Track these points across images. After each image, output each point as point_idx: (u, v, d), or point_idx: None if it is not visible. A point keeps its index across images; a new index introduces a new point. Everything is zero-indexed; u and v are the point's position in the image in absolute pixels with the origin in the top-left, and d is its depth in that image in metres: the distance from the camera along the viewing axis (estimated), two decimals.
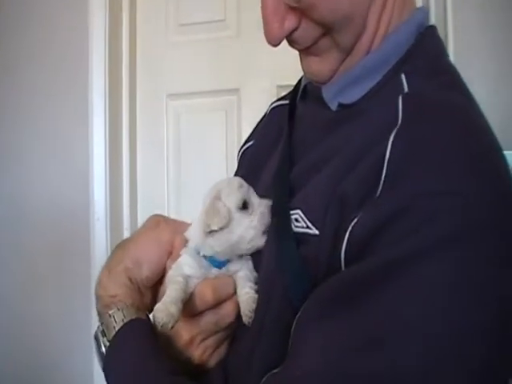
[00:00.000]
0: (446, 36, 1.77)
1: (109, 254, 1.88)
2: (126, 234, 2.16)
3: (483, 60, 1.77)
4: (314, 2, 0.75)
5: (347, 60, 0.84)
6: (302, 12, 0.77)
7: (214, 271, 0.85)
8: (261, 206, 0.84)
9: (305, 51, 0.85)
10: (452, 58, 1.49)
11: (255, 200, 0.85)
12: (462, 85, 0.81)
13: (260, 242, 0.83)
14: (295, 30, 0.79)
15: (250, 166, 1.03)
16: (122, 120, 2.21)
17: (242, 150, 1.15)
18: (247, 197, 0.84)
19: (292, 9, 0.77)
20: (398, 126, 0.70)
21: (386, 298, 0.62)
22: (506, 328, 0.64)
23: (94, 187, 2.11)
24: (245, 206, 0.84)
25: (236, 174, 1.08)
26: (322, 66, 0.85)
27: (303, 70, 0.89)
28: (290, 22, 0.79)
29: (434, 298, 0.61)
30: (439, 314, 0.61)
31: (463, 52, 1.76)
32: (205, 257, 0.85)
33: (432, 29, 0.88)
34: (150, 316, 0.82)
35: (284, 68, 1.96)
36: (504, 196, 0.66)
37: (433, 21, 1.78)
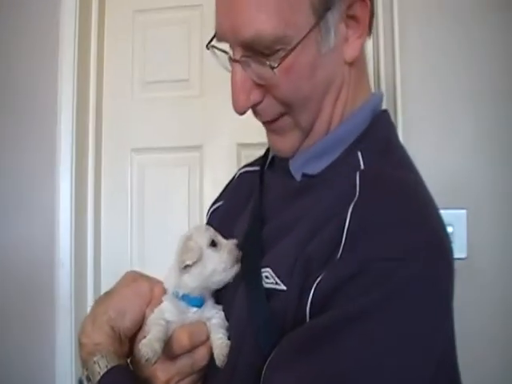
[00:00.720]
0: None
1: (73, 298, 1.94)
2: (90, 282, 2.20)
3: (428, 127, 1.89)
4: (277, 83, 0.87)
5: (307, 140, 0.95)
6: (266, 89, 0.89)
7: (191, 315, 0.93)
8: (228, 244, 0.94)
9: (269, 130, 0.97)
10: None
11: (222, 240, 0.95)
12: (409, 163, 0.95)
13: (230, 274, 0.93)
14: (259, 103, 0.91)
15: (220, 224, 1.11)
16: (88, 172, 2.25)
17: (212, 210, 1.25)
18: (215, 237, 0.94)
19: (258, 85, 0.88)
20: (355, 199, 0.81)
21: (342, 347, 0.72)
22: (438, 374, 0.78)
23: (59, 238, 2.13)
24: (214, 243, 0.93)
25: None
26: (284, 144, 0.97)
27: (269, 144, 1.02)
28: (255, 96, 0.90)
29: (381, 348, 0.72)
30: (385, 361, 0.72)
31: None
32: (182, 297, 0.93)
33: (385, 113, 1.01)
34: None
35: (244, 127, 2.03)
36: (443, 259, 0.80)
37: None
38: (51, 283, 2.13)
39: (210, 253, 0.93)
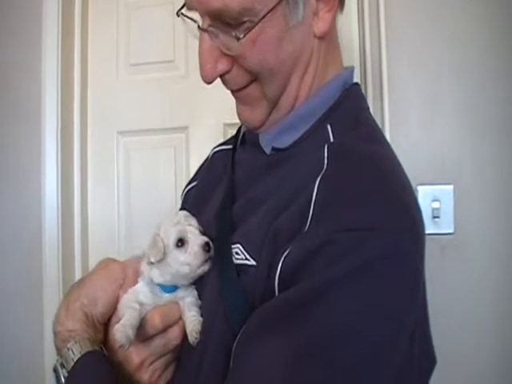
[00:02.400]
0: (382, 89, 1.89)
1: (60, 288, 1.94)
2: (78, 267, 2.20)
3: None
4: (244, 53, 0.87)
5: (274, 112, 0.95)
6: (233, 59, 0.89)
7: (165, 298, 0.95)
8: (195, 246, 0.93)
9: (238, 99, 0.98)
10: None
11: (192, 237, 0.94)
12: (379, 134, 0.96)
13: (198, 272, 0.93)
14: (227, 72, 0.91)
15: (194, 203, 1.13)
16: (74, 155, 2.24)
17: (186, 190, 1.27)
18: (183, 234, 0.94)
19: (225, 54, 0.89)
20: (323, 172, 0.82)
21: (310, 319, 0.72)
22: (413, 345, 0.78)
23: (45, 221, 2.13)
24: (181, 242, 0.93)
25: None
26: (251, 115, 0.97)
27: (238, 117, 1.02)
28: (222, 65, 0.90)
29: (350, 320, 0.72)
30: (356, 332, 0.72)
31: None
32: (155, 284, 0.94)
33: (356, 86, 1.01)
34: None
35: (231, 107, 2.03)
36: (411, 229, 0.79)
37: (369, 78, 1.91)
38: (39, 268, 2.12)
39: (175, 253, 0.93)
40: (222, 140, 2.07)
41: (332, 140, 0.90)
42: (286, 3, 0.86)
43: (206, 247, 0.93)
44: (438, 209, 1.83)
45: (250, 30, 0.85)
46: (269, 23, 0.86)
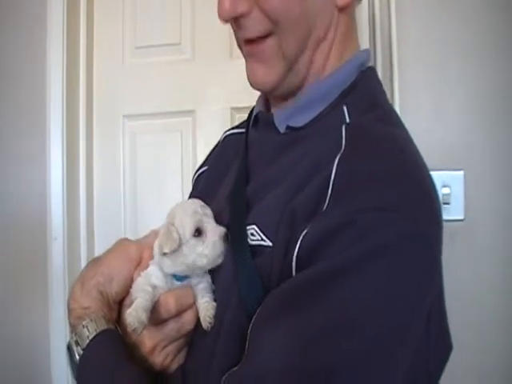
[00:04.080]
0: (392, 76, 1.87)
1: (66, 272, 1.94)
2: (83, 253, 2.20)
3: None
4: None
5: (290, 75, 0.93)
6: (255, 1, 0.86)
7: (176, 283, 0.92)
8: (214, 235, 0.90)
9: (251, 56, 0.94)
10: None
11: (209, 226, 0.91)
12: (396, 117, 0.94)
13: (213, 264, 0.91)
14: (246, 15, 0.88)
15: (205, 188, 1.12)
16: (79, 139, 2.23)
17: (197, 175, 1.25)
18: (200, 224, 0.91)
19: None
20: (341, 152, 0.80)
21: (330, 299, 0.71)
22: (429, 327, 0.79)
23: (51, 206, 2.12)
24: (198, 232, 0.90)
25: (190, 197, 1.14)
26: (266, 73, 0.94)
27: (248, 78, 0.98)
28: (242, 6, 0.88)
29: (369, 300, 0.71)
30: (375, 312, 0.71)
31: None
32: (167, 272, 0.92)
33: (371, 69, 1.00)
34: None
35: (238, 91, 2.02)
36: (430, 211, 0.78)
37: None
38: (44, 256, 2.13)
39: (193, 243, 0.90)
40: (229, 124, 2.08)
41: (348, 121, 0.88)
42: None
43: (225, 237, 0.91)
44: (448, 195, 1.81)
45: None
46: None
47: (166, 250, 0.88)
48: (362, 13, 1.94)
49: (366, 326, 0.71)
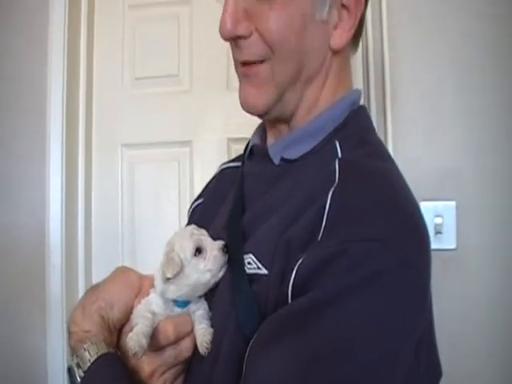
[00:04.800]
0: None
1: (64, 298, 1.95)
2: (81, 280, 2.21)
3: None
4: (269, 17, 0.91)
5: (279, 106, 0.98)
6: (255, 24, 0.91)
7: (177, 310, 0.95)
8: (213, 250, 0.93)
9: (245, 79, 0.98)
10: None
11: (208, 243, 0.95)
12: (385, 152, 0.99)
13: (216, 278, 0.94)
14: (245, 38, 0.93)
15: (201, 218, 1.14)
16: (78, 167, 2.26)
17: (193, 207, 1.27)
18: (199, 243, 0.94)
19: (248, 19, 0.91)
20: (335, 185, 0.83)
21: (323, 325, 0.74)
22: (419, 355, 0.82)
23: (50, 233, 2.14)
24: (199, 251, 0.93)
25: None
26: (257, 96, 0.97)
27: (240, 100, 1.01)
28: (242, 28, 0.92)
29: (361, 327, 0.74)
30: (367, 339, 0.74)
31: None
32: (169, 299, 0.94)
33: (362, 108, 1.05)
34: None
35: (234, 122, 2.08)
36: (419, 243, 0.82)
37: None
38: (42, 283, 2.13)
39: (194, 262, 0.93)
40: (226, 154, 2.12)
41: (340, 156, 0.92)
42: None
43: (224, 249, 0.94)
44: (440, 224, 1.85)
45: None
46: (297, 0, 0.90)
47: (169, 275, 0.91)
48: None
49: (358, 352, 0.74)
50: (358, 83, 1.95)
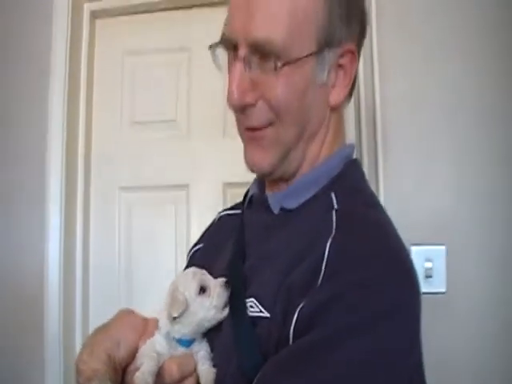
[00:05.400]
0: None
1: (61, 339, 1.97)
2: (78, 321, 2.22)
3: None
4: (274, 86, 0.96)
5: (286, 163, 1.04)
6: (260, 94, 0.97)
7: (180, 350, 0.99)
8: (216, 287, 0.99)
9: (251, 141, 1.04)
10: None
11: (210, 282, 1.00)
12: (378, 204, 1.06)
13: (221, 315, 0.99)
14: (251, 106, 0.98)
15: (201, 262, 1.16)
16: (77, 209, 2.30)
17: (192, 252, 1.32)
18: (203, 282, 0.99)
19: (254, 88, 0.97)
20: (333, 234, 0.90)
21: (321, 365, 0.80)
22: None
23: (48, 274, 2.17)
24: (203, 290, 0.98)
25: None
26: (263, 157, 1.04)
27: (246, 161, 1.07)
28: (249, 97, 0.98)
29: (355, 370, 0.80)
30: (359, 378, 0.80)
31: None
32: (174, 338, 0.99)
33: (355, 161, 1.13)
34: None
35: (229, 167, 2.12)
36: (411, 287, 0.88)
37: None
38: (40, 326, 2.16)
39: (199, 300, 0.98)
40: (221, 198, 2.17)
41: (336, 206, 0.98)
42: (316, 59, 0.97)
43: (226, 285, 0.99)
44: (430, 268, 1.89)
45: (286, 64, 0.94)
46: (300, 69, 0.95)
47: (175, 314, 0.96)
48: None
49: None
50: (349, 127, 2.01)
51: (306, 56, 0.95)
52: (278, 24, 0.93)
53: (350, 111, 2.03)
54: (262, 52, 0.94)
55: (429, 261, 1.89)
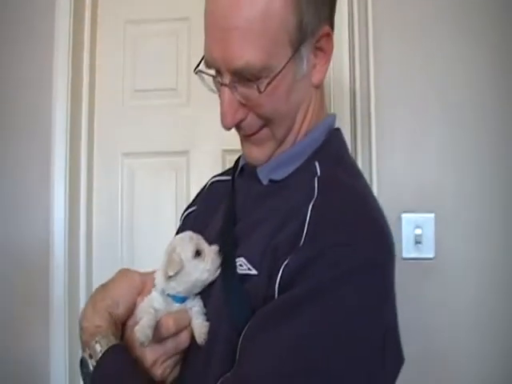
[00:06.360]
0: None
1: (66, 303, 2.05)
2: (82, 280, 2.31)
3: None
4: (261, 103, 1.03)
5: (279, 149, 1.12)
6: (250, 108, 1.04)
7: (176, 306, 1.08)
8: (211, 252, 1.07)
9: (247, 140, 1.12)
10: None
11: (205, 247, 1.08)
12: (358, 171, 1.15)
13: (213, 277, 1.07)
14: (243, 120, 1.06)
15: (194, 226, 1.25)
16: (81, 175, 2.35)
17: (185, 214, 1.41)
18: (198, 247, 1.08)
19: (243, 105, 1.04)
20: (314, 199, 0.99)
21: (304, 315, 0.89)
22: (384, 348, 0.95)
23: (54, 237, 2.24)
24: (198, 253, 1.07)
25: (179, 232, 1.28)
26: (259, 154, 1.13)
27: (244, 155, 1.18)
28: (240, 114, 1.05)
29: (332, 317, 0.89)
30: (337, 331, 0.89)
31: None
32: (169, 295, 1.07)
33: (337, 131, 1.21)
34: None
35: (229, 134, 2.12)
36: (383, 245, 0.97)
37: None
38: (46, 286, 2.22)
39: (194, 263, 1.06)
40: (220, 164, 2.23)
41: (319, 174, 1.06)
42: (294, 60, 1.02)
43: (220, 253, 1.08)
44: (420, 235, 1.97)
45: (269, 83, 1.00)
46: (282, 77, 1.02)
47: (171, 273, 1.04)
48: (343, 67, 2.13)
49: (335, 335, 0.89)
50: (344, 103, 2.07)
51: (285, 65, 1.01)
52: (254, 48, 0.98)
53: (345, 88, 2.11)
54: (244, 76, 1.00)
55: (418, 227, 1.97)
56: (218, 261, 1.07)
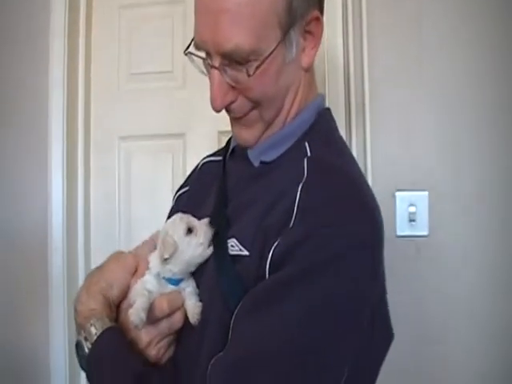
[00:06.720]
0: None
1: (65, 283, 2.07)
2: (81, 262, 2.35)
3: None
4: (251, 86, 1.03)
5: (268, 130, 1.13)
6: (239, 91, 1.05)
7: (169, 287, 1.10)
8: (202, 226, 1.09)
9: (237, 122, 1.13)
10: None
11: (196, 223, 1.10)
12: (347, 151, 1.16)
13: (208, 252, 1.09)
14: (233, 102, 1.07)
15: (187, 207, 1.27)
16: (78, 158, 2.37)
17: (178, 194, 1.43)
18: (189, 224, 1.09)
19: (232, 88, 1.05)
20: (303, 180, 0.99)
21: (294, 295, 0.91)
22: (374, 315, 0.98)
23: (52, 219, 2.27)
24: (190, 230, 1.09)
25: (171, 212, 1.32)
26: (249, 135, 1.14)
27: (234, 137, 1.19)
28: (230, 96, 1.06)
29: (322, 296, 0.91)
30: (330, 305, 0.91)
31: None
32: (164, 278, 1.09)
33: (327, 110, 1.22)
34: None
35: (224, 116, 2.14)
36: (372, 226, 0.99)
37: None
38: (44, 270, 2.26)
39: (187, 240, 1.08)
40: (216, 146, 2.23)
41: (309, 154, 1.07)
42: (283, 43, 1.03)
43: (210, 224, 1.09)
44: (414, 213, 1.99)
45: (258, 67, 1.01)
46: (271, 60, 1.02)
47: (167, 255, 1.06)
48: (337, 45, 2.12)
49: (325, 313, 0.91)
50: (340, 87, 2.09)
51: (274, 48, 1.02)
52: (244, 31, 0.98)
53: (339, 72, 2.11)
54: (234, 59, 1.01)
55: (412, 205, 1.99)
56: (210, 232, 1.08)
